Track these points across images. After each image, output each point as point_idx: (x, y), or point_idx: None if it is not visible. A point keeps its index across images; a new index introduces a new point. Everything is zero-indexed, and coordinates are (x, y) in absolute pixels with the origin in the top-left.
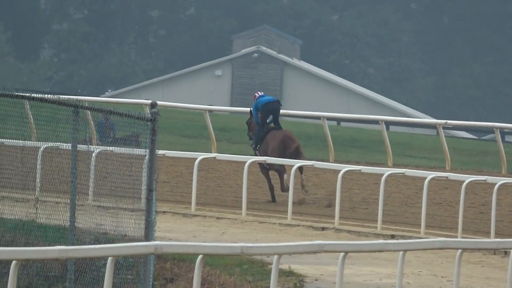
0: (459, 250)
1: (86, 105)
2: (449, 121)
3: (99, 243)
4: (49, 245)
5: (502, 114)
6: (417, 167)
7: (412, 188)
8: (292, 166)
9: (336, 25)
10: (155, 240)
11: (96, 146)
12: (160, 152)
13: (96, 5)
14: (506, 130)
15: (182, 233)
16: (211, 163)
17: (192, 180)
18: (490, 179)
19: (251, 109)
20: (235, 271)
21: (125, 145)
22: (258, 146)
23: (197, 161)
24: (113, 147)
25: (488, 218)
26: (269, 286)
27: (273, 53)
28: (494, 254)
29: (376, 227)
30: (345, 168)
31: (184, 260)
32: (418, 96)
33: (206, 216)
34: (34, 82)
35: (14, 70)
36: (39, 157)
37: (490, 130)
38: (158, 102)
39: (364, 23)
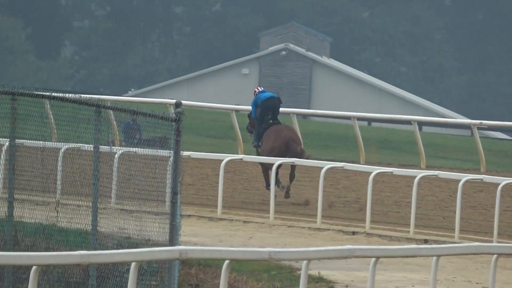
0: (495, 255)
1: (109, 104)
2: (484, 121)
3: (122, 247)
4: (70, 250)
5: None
6: (450, 169)
7: (446, 191)
8: (322, 168)
9: (367, 22)
10: (179, 245)
11: (119, 147)
12: (185, 153)
13: (119, 1)
14: None
15: (207, 237)
16: (237, 164)
17: (218, 183)
18: None
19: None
20: (263, 277)
21: (150, 146)
22: (260, 143)
23: (223, 163)
24: (136, 148)
25: None
26: None
27: (302, 51)
28: None
29: (408, 232)
30: (376, 170)
31: (210, 265)
32: (451, 96)
33: (232, 220)
34: (55, 80)
35: (34, 68)
36: (60, 159)
37: None
38: (183, 102)
39: (395, 20)
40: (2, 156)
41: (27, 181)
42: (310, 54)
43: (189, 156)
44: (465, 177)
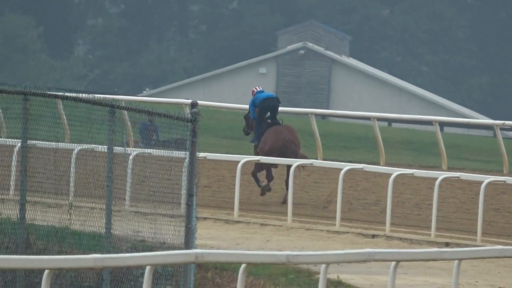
0: None
1: (123, 104)
2: (506, 122)
3: (137, 251)
4: (83, 253)
5: None
6: (473, 170)
7: (468, 193)
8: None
9: (387, 19)
10: (195, 248)
11: (134, 149)
12: (201, 154)
13: None
14: None
15: (224, 240)
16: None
17: (234, 184)
18: None
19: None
20: (280, 281)
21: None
22: (257, 142)
23: (240, 164)
24: (151, 149)
25: None
26: None
27: (321, 49)
28: None
29: (429, 235)
30: (396, 171)
31: (227, 269)
32: (473, 95)
33: (249, 222)
34: (68, 80)
35: (46, 67)
36: (73, 160)
37: None
38: (199, 102)
39: (416, 17)
40: (14, 157)
41: (39, 183)
42: (329, 53)
43: (205, 157)
44: (487, 178)
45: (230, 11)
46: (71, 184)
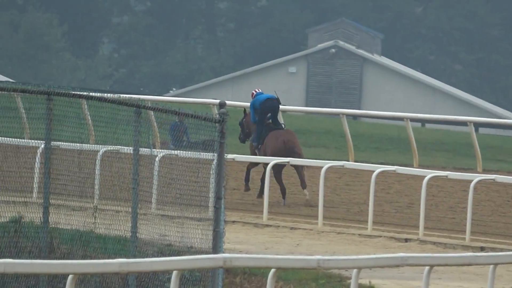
0: None
1: (149, 105)
2: None
3: (163, 255)
4: (108, 258)
5: None
6: (509, 172)
7: (504, 196)
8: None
9: (420, 17)
10: (223, 253)
11: (160, 150)
12: (229, 156)
13: None
14: None
15: (253, 244)
16: (284, 168)
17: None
18: None
19: (244, 109)
20: (311, 286)
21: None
22: (260, 145)
23: (269, 166)
24: (178, 151)
25: None
26: None
27: (352, 48)
28: None
29: (464, 239)
30: (430, 174)
31: (255, 274)
32: (509, 95)
33: (279, 226)
34: (92, 79)
35: (70, 67)
36: (98, 162)
37: None
38: (227, 102)
39: (450, 15)
40: (37, 159)
41: (63, 185)
42: (361, 52)
43: (233, 159)
44: None
45: (259, 8)
46: (96, 187)
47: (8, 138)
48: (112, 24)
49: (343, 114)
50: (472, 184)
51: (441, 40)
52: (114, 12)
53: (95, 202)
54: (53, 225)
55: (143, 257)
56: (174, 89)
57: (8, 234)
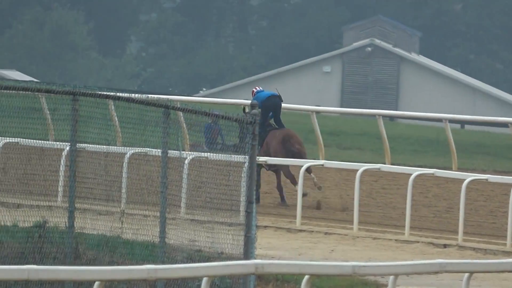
0: None
1: (178, 105)
2: None
3: (193, 261)
4: (136, 264)
5: None
6: None
7: None
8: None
9: (459, 15)
10: (255, 259)
11: (189, 152)
12: (261, 159)
13: None
14: None
15: (285, 250)
16: (318, 171)
17: (296, 191)
18: None
19: (244, 107)
20: None
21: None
22: (260, 146)
23: (302, 169)
24: (208, 153)
25: None
26: None
27: (389, 46)
28: None
29: (505, 244)
30: (470, 177)
31: (288, 281)
32: None
33: (312, 231)
34: (120, 79)
35: (97, 66)
36: (125, 165)
37: None
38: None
39: (491, 12)
40: (62, 161)
41: (89, 189)
42: (398, 50)
43: (265, 162)
44: None
45: (292, 5)
46: (123, 190)
47: (32, 140)
48: (140, 22)
49: (379, 115)
50: None
51: (482, 38)
52: (142, 9)
53: (122, 206)
54: (78, 230)
55: (172, 263)
56: (204, 89)
57: (32, 239)
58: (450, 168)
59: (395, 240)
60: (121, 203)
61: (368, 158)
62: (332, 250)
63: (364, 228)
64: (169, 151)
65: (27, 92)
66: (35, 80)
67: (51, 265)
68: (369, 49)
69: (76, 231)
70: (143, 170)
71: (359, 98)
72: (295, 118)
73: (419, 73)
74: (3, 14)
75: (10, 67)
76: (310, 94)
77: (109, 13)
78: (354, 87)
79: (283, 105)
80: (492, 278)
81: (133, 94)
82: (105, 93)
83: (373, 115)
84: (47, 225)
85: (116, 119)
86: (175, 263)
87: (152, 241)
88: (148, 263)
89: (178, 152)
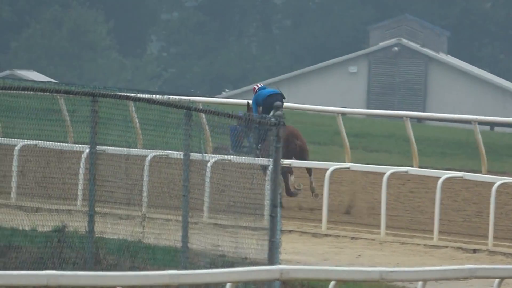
0: None
1: (200, 107)
2: None
3: (216, 267)
4: (158, 269)
5: None
6: None
7: None
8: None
9: (489, 13)
10: (280, 264)
11: (212, 155)
12: (286, 161)
13: None
14: None
15: (311, 255)
16: (344, 174)
17: (322, 194)
18: None
19: (248, 101)
20: None
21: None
22: (260, 145)
23: (328, 172)
24: (231, 156)
25: None
26: None
27: (416, 46)
28: None
29: None
30: (500, 180)
31: (314, 287)
32: None
33: (339, 236)
34: (140, 80)
35: (117, 66)
36: (146, 168)
37: None
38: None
39: None
40: (81, 164)
41: (109, 192)
42: (426, 50)
43: (290, 164)
44: None
45: (317, 4)
46: (144, 194)
47: (51, 142)
48: (161, 21)
49: (406, 116)
50: None
51: None
52: (163, 8)
53: (143, 210)
54: (98, 235)
55: (195, 269)
56: (227, 90)
57: (51, 244)
58: (479, 171)
59: (424, 245)
60: (142, 207)
61: (395, 161)
62: (359, 255)
63: (392, 232)
64: (191, 153)
65: (45, 93)
66: (54, 80)
67: (71, 270)
68: (396, 49)
69: (96, 235)
70: (164, 173)
71: (386, 99)
72: (320, 120)
73: (448, 73)
74: (21, 13)
75: (28, 67)
76: (335, 95)
77: (129, 12)
78: (380, 88)
79: (304, 106)
80: None
81: (154, 95)
82: (125, 94)
83: (400, 117)
84: (67, 229)
85: (137, 120)
86: (198, 268)
87: (174, 246)
88: (170, 268)
89: (200, 154)
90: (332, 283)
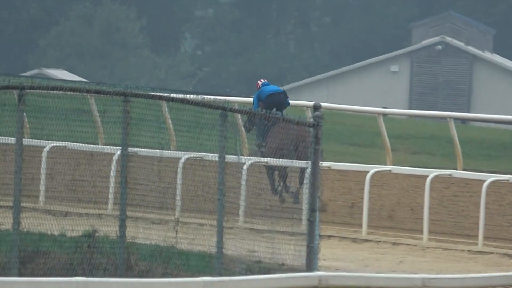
0: None
1: (236, 107)
2: None
3: (252, 273)
4: (191, 276)
5: None
6: None
7: None
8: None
9: None
10: (318, 270)
11: (248, 157)
12: (325, 164)
13: None
14: None
15: (351, 261)
16: (385, 177)
17: (363, 198)
18: None
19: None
20: None
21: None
22: (263, 143)
23: (369, 175)
24: (268, 158)
25: None
26: None
27: (461, 44)
28: None
29: None
30: None
31: None
32: None
33: (379, 241)
34: (174, 79)
35: (149, 65)
36: (179, 170)
37: None
38: (322, 104)
39: None
40: (113, 167)
41: (141, 196)
42: (470, 49)
43: (329, 167)
44: None
45: (357, 0)
46: (178, 198)
47: (81, 144)
48: (196, 18)
49: (450, 117)
50: None
51: None
52: (197, 4)
53: (176, 214)
54: (130, 240)
55: (230, 275)
56: None
57: (81, 250)
58: None
59: (468, 251)
60: (175, 211)
61: (439, 164)
62: (400, 262)
63: (435, 238)
64: (227, 155)
65: (75, 93)
66: (84, 80)
67: (101, 277)
68: (440, 47)
69: (128, 240)
70: (198, 176)
71: (429, 99)
72: (361, 121)
73: (493, 72)
74: (50, 10)
75: (57, 66)
76: (376, 95)
77: (162, 8)
78: (423, 88)
79: (344, 106)
80: None
81: (188, 95)
82: (158, 94)
83: (444, 118)
84: (97, 234)
85: (170, 121)
86: (233, 275)
87: (208, 251)
88: (204, 275)
89: (236, 156)
90: None
